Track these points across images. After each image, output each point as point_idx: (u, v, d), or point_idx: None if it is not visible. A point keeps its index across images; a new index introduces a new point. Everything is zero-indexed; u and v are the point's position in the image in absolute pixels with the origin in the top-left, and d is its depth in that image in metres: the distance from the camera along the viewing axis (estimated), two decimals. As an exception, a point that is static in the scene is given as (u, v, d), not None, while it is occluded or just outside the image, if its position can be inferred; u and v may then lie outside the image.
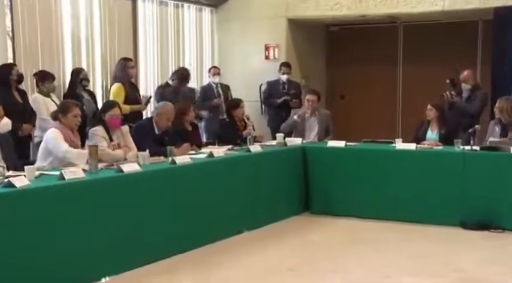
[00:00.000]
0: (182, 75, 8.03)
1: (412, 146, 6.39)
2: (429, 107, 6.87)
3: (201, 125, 8.43)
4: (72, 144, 5.15)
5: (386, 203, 6.34)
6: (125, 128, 5.82)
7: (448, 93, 7.52)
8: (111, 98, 7.14)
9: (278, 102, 8.76)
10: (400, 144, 6.51)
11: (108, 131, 5.56)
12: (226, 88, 8.80)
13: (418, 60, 9.68)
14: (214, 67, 8.96)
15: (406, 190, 6.25)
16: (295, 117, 7.51)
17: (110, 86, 7.43)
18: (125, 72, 7.28)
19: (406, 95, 9.94)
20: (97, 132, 5.50)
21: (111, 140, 5.56)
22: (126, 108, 6.92)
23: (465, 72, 7.53)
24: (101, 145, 5.24)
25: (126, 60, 7.43)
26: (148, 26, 8.51)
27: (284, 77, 8.87)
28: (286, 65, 8.93)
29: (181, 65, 8.87)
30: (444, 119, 6.88)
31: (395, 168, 6.32)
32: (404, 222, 6.19)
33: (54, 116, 5.35)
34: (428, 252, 5.27)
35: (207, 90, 8.70)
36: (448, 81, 7.61)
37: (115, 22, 7.95)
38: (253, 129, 7.12)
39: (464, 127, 6.81)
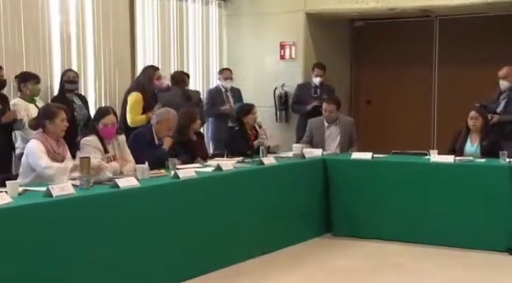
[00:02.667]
0: (177, 78, 8.07)
1: (449, 159, 6.38)
2: (473, 114, 6.72)
3: (207, 132, 8.51)
4: (55, 157, 5.14)
5: (420, 224, 6.34)
6: (121, 138, 5.86)
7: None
8: (128, 107, 7.15)
9: (307, 109, 8.68)
10: (435, 157, 6.51)
11: (102, 141, 5.61)
12: (236, 92, 8.84)
13: (456, 60, 9.66)
14: (226, 69, 8.94)
15: (443, 210, 6.24)
16: (308, 126, 7.51)
17: (126, 93, 7.31)
18: (151, 83, 7.22)
19: (442, 100, 9.92)
20: (90, 142, 5.55)
21: (106, 151, 5.61)
22: (142, 119, 6.96)
23: (504, 69, 7.50)
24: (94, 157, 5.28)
25: (153, 69, 7.37)
26: (147, 22, 8.58)
27: (317, 80, 8.88)
28: (319, 67, 8.96)
29: (184, 66, 8.93)
30: (488, 129, 6.75)
31: (430, 184, 6.32)
32: (440, 246, 6.19)
33: (35, 125, 5.35)
34: (468, 281, 5.25)
35: (214, 94, 8.74)
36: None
37: (110, 18, 8.01)
38: (266, 139, 7.16)
39: (505, 135, 6.78)
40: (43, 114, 5.33)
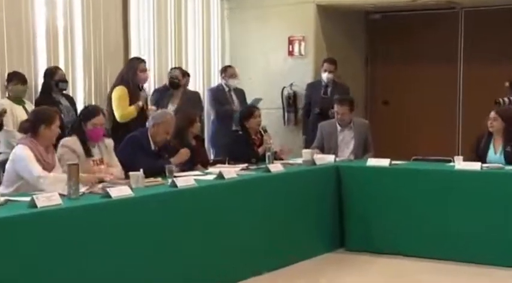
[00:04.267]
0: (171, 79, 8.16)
1: (476, 166, 6.36)
2: (492, 114, 6.69)
3: (207, 136, 8.54)
4: (45, 165, 5.17)
5: (442, 239, 6.34)
6: (109, 142, 5.93)
7: (505, 99, 7.44)
8: (114, 103, 7.25)
9: (316, 112, 8.71)
10: (460, 163, 6.50)
11: (85, 143, 5.63)
12: (240, 93, 8.86)
13: (483, 56, 9.66)
14: (230, 67, 9.01)
15: (468, 223, 6.24)
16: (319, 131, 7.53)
17: (111, 90, 7.53)
18: (135, 75, 7.44)
19: (468, 101, 9.93)
20: (67, 143, 5.57)
21: (89, 154, 5.61)
22: (131, 111, 7.13)
23: None
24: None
25: (138, 61, 7.59)
26: (142, 15, 8.59)
27: (326, 76, 8.84)
28: (329, 61, 8.92)
29: (183, 64, 8.95)
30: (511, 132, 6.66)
31: (454, 195, 6.32)
32: (463, 262, 6.18)
33: (25, 128, 5.34)
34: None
35: (216, 94, 8.76)
36: (507, 84, 7.52)
37: (101, 10, 8.03)
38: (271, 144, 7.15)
39: None
40: (39, 117, 5.31)
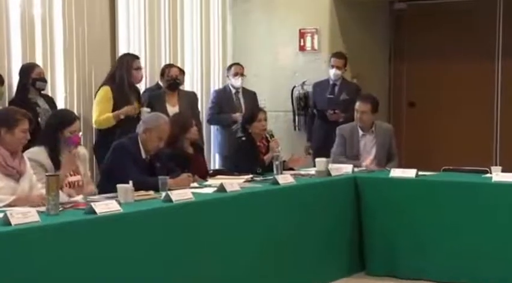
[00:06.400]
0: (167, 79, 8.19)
1: (516, 177, 6.38)
2: None
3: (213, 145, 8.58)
4: (9, 171, 5.17)
5: (475, 262, 6.32)
6: (83, 151, 5.96)
7: None
8: (94, 104, 7.30)
9: (311, 113, 8.86)
10: (498, 175, 6.50)
11: (55, 154, 5.63)
12: (250, 96, 8.88)
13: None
14: (236, 64, 9.03)
15: (507, 244, 6.22)
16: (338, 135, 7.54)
17: (97, 89, 7.59)
18: (130, 74, 7.50)
19: (507, 102, 9.93)
20: (33, 155, 5.55)
21: (58, 167, 5.61)
22: (109, 119, 7.21)
23: None
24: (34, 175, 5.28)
25: (131, 57, 7.64)
26: (132, 4, 8.58)
27: (334, 73, 8.85)
28: (338, 56, 8.92)
29: (179, 61, 8.97)
30: None
31: (492, 210, 6.30)
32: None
33: None
34: None
35: (222, 96, 8.79)
36: None
37: (84, -1, 8.06)
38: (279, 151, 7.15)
39: None
40: (2, 119, 5.31)
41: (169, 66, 8.45)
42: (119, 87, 7.46)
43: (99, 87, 7.59)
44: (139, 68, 7.68)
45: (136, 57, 7.75)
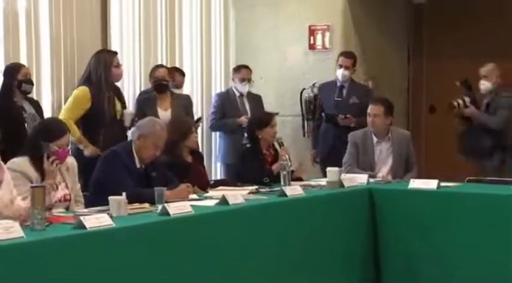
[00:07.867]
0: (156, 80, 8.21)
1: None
2: None
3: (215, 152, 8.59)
4: None
5: (503, 279, 6.31)
6: (72, 161, 5.96)
7: (459, 101, 7.61)
8: (66, 105, 7.31)
9: (320, 117, 8.90)
10: (527, 186, 6.54)
11: (40, 166, 5.62)
12: (256, 100, 8.90)
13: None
14: (244, 68, 9.02)
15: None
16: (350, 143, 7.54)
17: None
18: (109, 71, 7.50)
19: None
20: (16, 165, 5.55)
21: (43, 178, 5.63)
22: (74, 132, 7.17)
23: (488, 66, 7.70)
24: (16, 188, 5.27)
25: (110, 53, 7.65)
26: (125, 0, 8.62)
27: (342, 74, 8.85)
28: (346, 55, 8.93)
29: (177, 62, 8.99)
30: None
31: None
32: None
33: None
34: None
35: (225, 100, 8.80)
36: (457, 83, 7.59)
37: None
38: (289, 160, 7.14)
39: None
40: None
41: (157, 66, 8.49)
42: (97, 87, 7.45)
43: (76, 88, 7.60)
44: (118, 65, 7.69)
45: (115, 53, 7.76)
